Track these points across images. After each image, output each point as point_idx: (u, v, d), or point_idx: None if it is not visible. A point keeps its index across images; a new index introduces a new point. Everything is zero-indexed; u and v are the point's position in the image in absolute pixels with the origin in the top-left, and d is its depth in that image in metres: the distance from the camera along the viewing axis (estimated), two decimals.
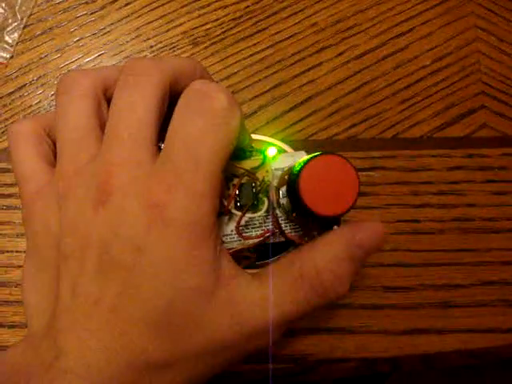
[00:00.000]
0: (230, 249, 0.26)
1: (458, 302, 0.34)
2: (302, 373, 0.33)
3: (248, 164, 0.28)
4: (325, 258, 0.23)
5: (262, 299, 0.23)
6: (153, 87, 0.23)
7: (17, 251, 0.34)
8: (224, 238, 0.27)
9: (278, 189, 0.27)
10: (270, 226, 0.27)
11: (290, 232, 0.27)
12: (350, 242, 0.23)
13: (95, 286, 0.21)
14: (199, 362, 0.22)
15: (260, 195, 0.27)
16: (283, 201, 0.26)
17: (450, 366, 0.34)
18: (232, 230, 0.27)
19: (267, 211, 0.27)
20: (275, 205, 0.26)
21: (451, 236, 0.35)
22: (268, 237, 0.26)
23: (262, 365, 0.32)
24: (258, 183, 0.27)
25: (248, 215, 0.26)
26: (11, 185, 0.35)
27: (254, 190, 0.27)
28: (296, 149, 0.29)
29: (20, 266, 0.34)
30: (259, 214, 0.26)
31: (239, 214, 0.26)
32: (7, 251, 0.34)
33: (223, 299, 0.22)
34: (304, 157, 0.27)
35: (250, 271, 0.24)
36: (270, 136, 0.31)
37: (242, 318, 0.22)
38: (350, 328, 0.33)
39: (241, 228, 0.27)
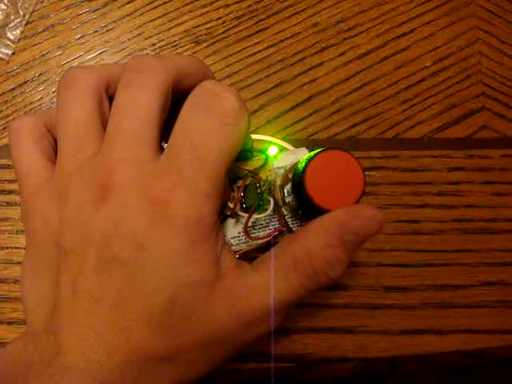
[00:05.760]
0: (238, 251, 0.26)
1: (457, 302, 0.34)
2: (301, 372, 0.33)
3: (251, 165, 0.28)
4: (317, 244, 0.23)
5: (259, 286, 0.23)
6: (156, 85, 0.23)
7: (16, 247, 0.34)
8: (232, 241, 0.27)
9: (282, 187, 0.27)
10: (277, 225, 0.27)
11: (298, 229, 0.27)
12: (343, 228, 0.22)
13: (96, 282, 0.22)
14: (200, 355, 0.22)
15: (265, 195, 0.27)
16: (288, 199, 0.26)
17: (449, 367, 0.34)
18: (240, 232, 0.27)
19: (273, 210, 0.27)
20: (280, 203, 0.27)
21: (451, 236, 0.35)
22: (276, 236, 0.26)
23: (262, 364, 0.32)
24: (262, 183, 0.27)
25: (254, 216, 0.26)
26: (12, 181, 0.35)
27: (258, 190, 0.27)
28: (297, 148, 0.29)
29: (19, 263, 0.34)
30: (265, 213, 0.26)
31: (246, 215, 0.26)
32: (7, 247, 0.34)
33: (223, 290, 0.22)
34: (305, 153, 0.27)
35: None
36: (270, 135, 0.31)
37: (240, 307, 0.22)
38: (350, 328, 0.33)
39: (248, 229, 0.27)
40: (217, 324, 0.22)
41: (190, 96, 0.23)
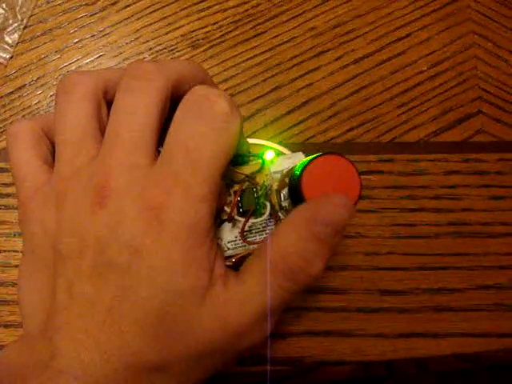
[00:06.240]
0: (235, 255, 0.26)
1: (453, 306, 0.34)
2: (298, 375, 0.33)
3: (247, 169, 0.28)
4: (289, 241, 0.22)
5: (242, 297, 0.22)
6: (155, 92, 0.23)
7: (14, 251, 0.34)
8: (229, 245, 0.27)
9: (278, 192, 0.27)
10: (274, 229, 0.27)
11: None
12: (312, 220, 0.22)
13: (92, 287, 0.22)
14: (192, 365, 0.22)
15: (261, 199, 0.27)
16: (285, 203, 0.26)
17: (445, 370, 0.34)
18: (236, 237, 0.27)
19: (270, 215, 0.27)
20: (277, 208, 0.27)
21: (447, 240, 0.35)
22: None
23: (260, 367, 0.32)
24: (259, 187, 0.27)
25: (251, 220, 0.26)
26: (9, 184, 0.35)
27: (255, 194, 0.27)
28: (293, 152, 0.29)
29: (17, 266, 0.34)
30: (262, 218, 0.26)
31: (243, 219, 0.26)
32: (4, 251, 0.34)
33: (210, 301, 0.22)
34: (302, 158, 0.27)
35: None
36: (267, 139, 0.31)
37: (226, 318, 0.22)
38: (347, 331, 0.33)
39: (245, 233, 0.27)
40: (206, 336, 0.22)
41: (182, 101, 0.23)
